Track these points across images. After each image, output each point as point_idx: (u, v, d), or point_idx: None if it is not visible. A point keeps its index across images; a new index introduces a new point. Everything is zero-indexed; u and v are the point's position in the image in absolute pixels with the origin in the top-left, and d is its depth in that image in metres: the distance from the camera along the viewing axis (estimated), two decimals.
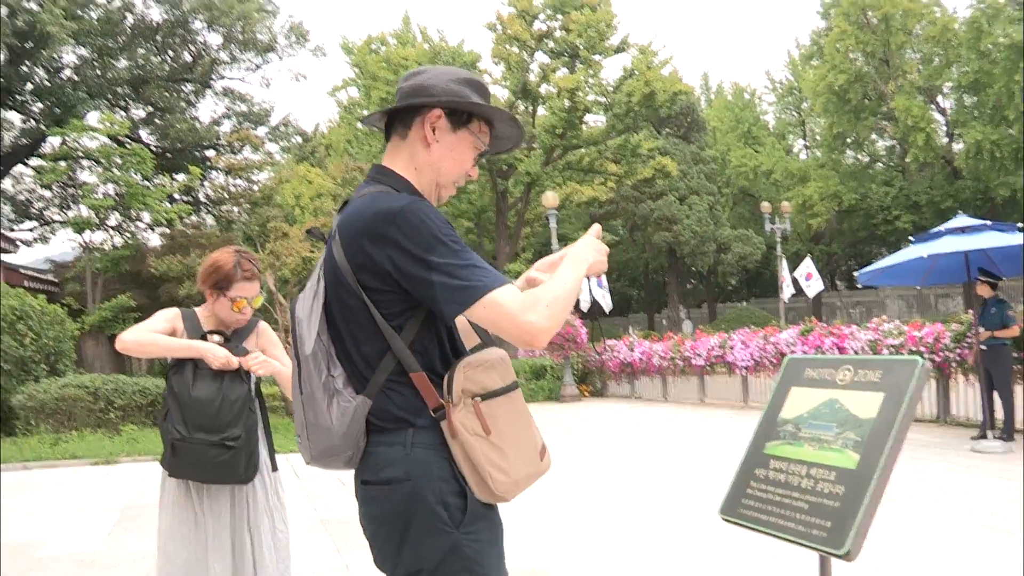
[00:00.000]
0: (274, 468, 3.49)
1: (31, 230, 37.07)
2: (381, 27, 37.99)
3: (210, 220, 31.65)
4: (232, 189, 28.37)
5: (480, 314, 1.73)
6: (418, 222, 1.75)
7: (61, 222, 33.31)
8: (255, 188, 24.54)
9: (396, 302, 1.80)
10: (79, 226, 25.67)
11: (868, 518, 1.97)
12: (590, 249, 1.95)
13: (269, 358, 3.43)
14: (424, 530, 1.76)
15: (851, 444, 2.07)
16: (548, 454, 1.99)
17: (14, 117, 32.57)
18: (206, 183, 31.60)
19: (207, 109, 69.31)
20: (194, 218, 30.51)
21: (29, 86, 28.98)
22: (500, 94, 31.13)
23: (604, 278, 22.40)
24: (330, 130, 40.65)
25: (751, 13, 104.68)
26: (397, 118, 1.97)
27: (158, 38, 32.13)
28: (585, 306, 22.32)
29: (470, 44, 40.52)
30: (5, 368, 12.84)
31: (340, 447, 1.83)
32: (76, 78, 30.08)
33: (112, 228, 33.63)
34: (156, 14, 32.22)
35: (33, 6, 25.62)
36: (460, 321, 1.86)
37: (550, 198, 22.35)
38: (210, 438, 3.20)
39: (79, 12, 27.09)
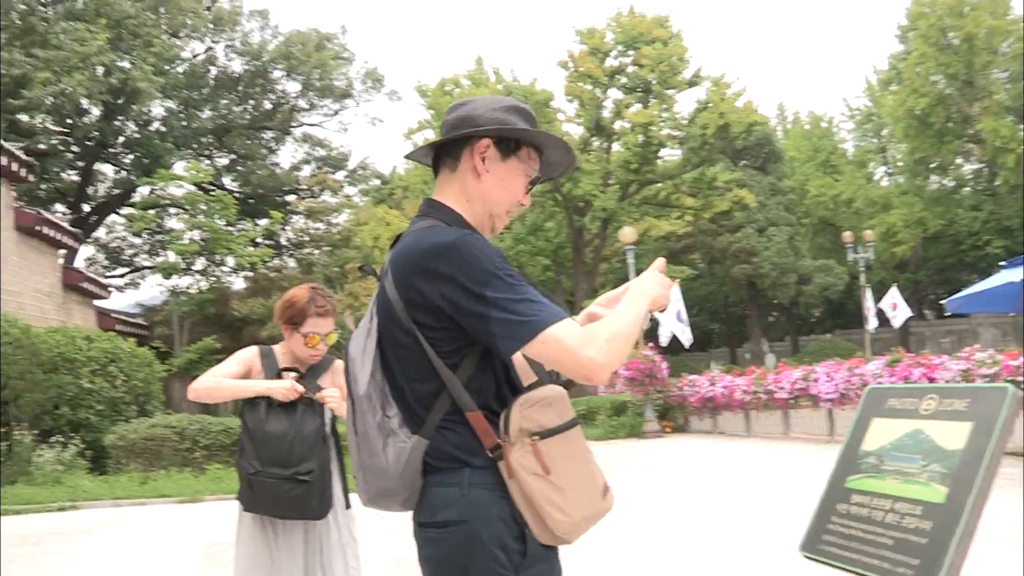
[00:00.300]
0: (347, 505, 3.49)
1: (122, 276, 38.53)
2: (455, 69, 38.68)
3: (292, 263, 32.42)
4: (312, 232, 29.06)
5: (538, 350, 1.67)
6: (471, 256, 1.71)
7: (150, 268, 34.53)
8: (334, 231, 25.02)
9: (450, 339, 1.75)
10: (167, 271, 26.58)
11: (961, 556, 1.86)
12: (653, 283, 1.87)
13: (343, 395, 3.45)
14: (483, 573, 1.70)
15: (938, 477, 1.96)
16: (611, 493, 1.90)
17: (107, 169, 34.08)
18: (287, 227, 32.39)
19: (287, 154, 71.47)
20: (276, 261, 31.24)
21: (120, 139, 30.25)
22: (574, 132, 31.25)
23: (684, 312, 22.12)
24: (407, 172, 41.36)
25: (825, 42, 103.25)
26: (445, 151, 1.93)
27: (240, 88, 33.28)
28: (665, 340, 22.06)
29: (543, 83, 40.85)
30: (98, 408, 13.27)
31: (396, 489, 1.78)
32: (163, 129, 31.31)
33: (198, 272, 34.77)
34: (237, 65, 33.42)
35: (125, 64, 26.85)
36: (516, 357, 1.79)
37: (627, 233, 22.26)
38: (283, 472, 3.22)
39: (166, 67, 28.24)
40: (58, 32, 24.06)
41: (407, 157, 2.08)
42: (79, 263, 35.01)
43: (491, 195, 1.91)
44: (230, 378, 3.42)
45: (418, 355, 1.77)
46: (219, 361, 3.74)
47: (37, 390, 12.44)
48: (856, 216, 40.27)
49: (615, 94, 30.72)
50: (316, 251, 29.81)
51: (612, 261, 34.26)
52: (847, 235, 30.31)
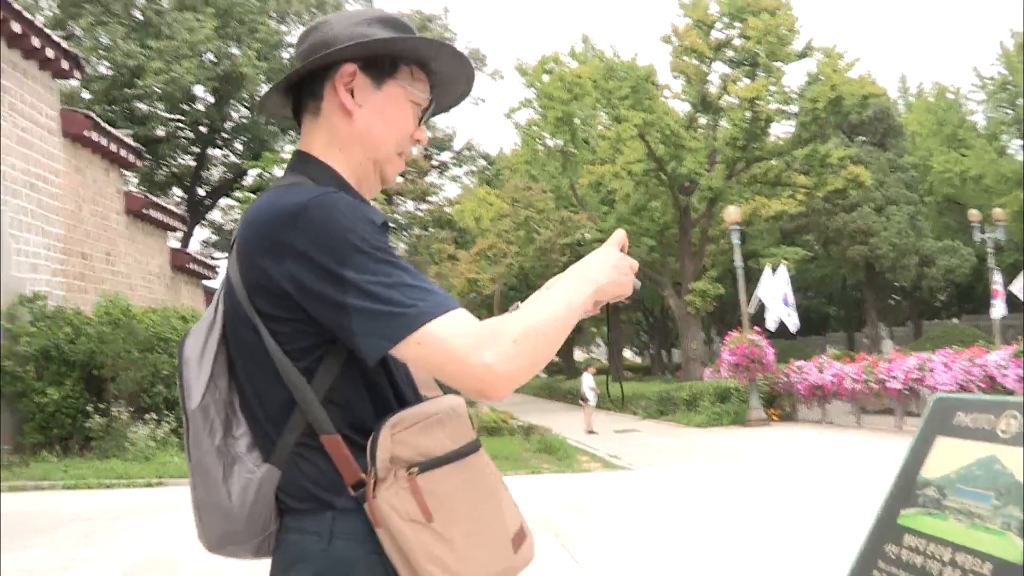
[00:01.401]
0: None
1: None
2: (556, 46, 38.08)
3: (403, 245, 32.70)
4: (413, 214, 29.15)
5: (414, 353, 1.22)
6: (329, 222, 1.24)
7: None
8: (425, 212, 25.06)
9: (303, 335, 1.29)
10: None
11: None
12: (602, 265, 1.40)
13: None
14: None
15: (1015, 525, 1.45)
16: (529, 541, 1.40)
17: (220, 153, 35.14)
18: (393, 209, 32.68)
19: None
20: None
21: (229, 124, 31.05)
22: (680, 108, 30.29)
23: (791, 295, 21.13)
24: (513, 153, 41.17)
25: (952, 7, 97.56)
26: (304, 92, 1.47)
27: None
28: (773, 325, 21.12)
29: (645, 58, 39.85)
30: None
31: (243, 534, 1.35)
32: None
33: None
34: None
35: (233, 51, 27.45)
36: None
37: (732, 213, 21.41)
38: None
39: (271, 53, 28.74)
40: (170, 22, 24.72)
41: (259, 112, 1.59)
42: (194, 245, 36.37)
43: (370, 135, 1.43)
44: None
45: (264, 356, 1.31)
46: None
47: (133, 368, 12.70)
48: (985, 193, 37.80)
49: (721, 68, 29.59)
50: (424, 232, 29.95)
51: (720, 242, 33.16)
52: (974, 213, 28.38)
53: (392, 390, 1.36)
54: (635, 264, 1.46)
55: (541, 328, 1.24)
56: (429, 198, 29.44)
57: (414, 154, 1.48)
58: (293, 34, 32.38)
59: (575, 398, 25.76)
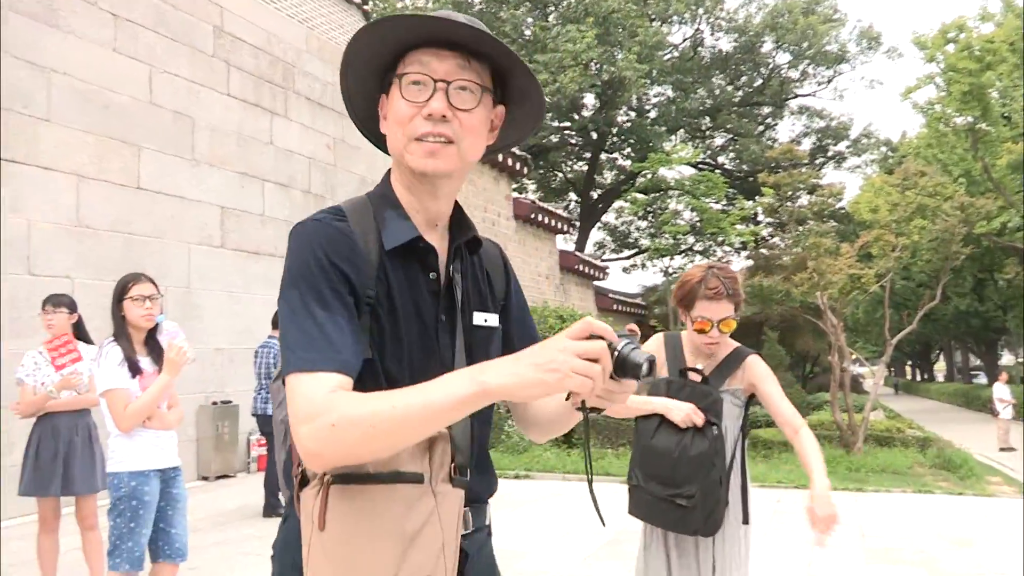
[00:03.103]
0: (745, 520, 3.14)
1: (628, 258, 41.10)
2: (959, 12, 34.04)
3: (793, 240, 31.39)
4: (802, 208, 27.73)
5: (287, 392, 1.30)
6: (294, 249, 1.38)
7: (650, 249, 36.31)
8: (808, 206, 23.67)
9: None
10: (660, 252, 27.54)
11: None
12: (512, 366, 1.19)
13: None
14: None
15: None
16: None
17: (609, 158, 36.47)
18: (788, 203, 31.47)
19: (785, 129, 70.13)
20: (775, 239, 30.43)
21: (615, 128, 32.08)
22: None
23: None
24: (918, 137, 37.62)
25: None
26: None
27: (730, 66, 33.14)
28: None
29: None
30: None
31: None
32: (655, 115, 32.51)
33: (699, 253, 35.58)
34: (725, 43, 33.33)
35: (616, 55, 28.33)
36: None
37: None
38: (663, 491, 3.05)
39: (653, 55, 29.14)
40: (554, 36, 26.18)
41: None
42: (589, 248, 38.12)
43: (389, 141, 1.48)
44: None
45: None
46: None
47: None
48: None
49: None
50: (807, 227, 28.45)
51: None
52: None
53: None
54: (601, 349, 1.17)
55: (372, 420, 1.20)
56: (814, 190, 27.87)
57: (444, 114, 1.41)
58: (674, 34, 32.62)
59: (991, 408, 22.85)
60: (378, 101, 1.50)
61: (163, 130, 9.84)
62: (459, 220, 1.54)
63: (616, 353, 1.22)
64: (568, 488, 10.09)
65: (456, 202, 1.53)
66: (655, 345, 3.29)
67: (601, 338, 1.19)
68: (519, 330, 1.64)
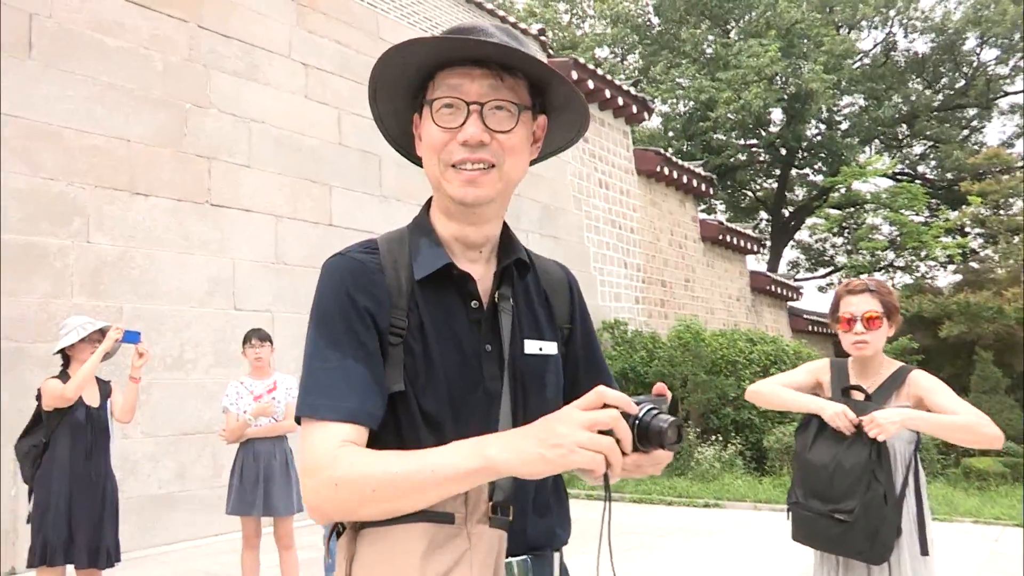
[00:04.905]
0: (924, 552, 2.93)
1: (824, 276, 39.26)
2: None
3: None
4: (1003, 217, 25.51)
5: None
6: (319, 286, 1.38)
7: (846, 267, 34.50)
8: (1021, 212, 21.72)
9: None
10: (857, 270, 26.14)
11: None
12: (518, 441, 1.13)
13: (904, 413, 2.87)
14: None
15: None
16: None
17: (800, 174, 35.07)
18: (999, 211, 29.16)
19: (994, 132, 64.28)
20: (987, 251, 28.18)
21: (804, 142, 30.84)
22: None
23: None
24: None
25: None
26: None
27: (928, 68, 31.13)
28: None
29: None
30: (761, 410, 13.50)
31: None
32: (846, 126, 31.00)
33: (899, 269, 33.47)
34: (921, 44, 31.40)
35: (802, 67, 27.28)
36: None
37: None
38: (822, 507, 2.93)
39: (842, 63, 27.84)
40: (736, 52, 25.58)
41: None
42: (783, 268, 36.71)
43: (425, 167, 1.42)
44: (791, 388, 3.17)
45: None
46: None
47: (700, 390, 13.21)
48: None
49: None
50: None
51: None
52: None
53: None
54: (612, 418, 1.08)
55: (373, 485, 1.18)
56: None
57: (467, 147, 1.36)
58: (863, 40, 31.03)
59: None
60: (411, 120, 1.46)
61: (352, 169, 10.36)
62: (507, 243, 1.45)
63: (637, 422, 1.11)
64: (759, 517, 9.67)
65: (504, 223, 1.45)
66: (819, 367, 3.20)
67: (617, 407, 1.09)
68: (585, 356, 1.53)
